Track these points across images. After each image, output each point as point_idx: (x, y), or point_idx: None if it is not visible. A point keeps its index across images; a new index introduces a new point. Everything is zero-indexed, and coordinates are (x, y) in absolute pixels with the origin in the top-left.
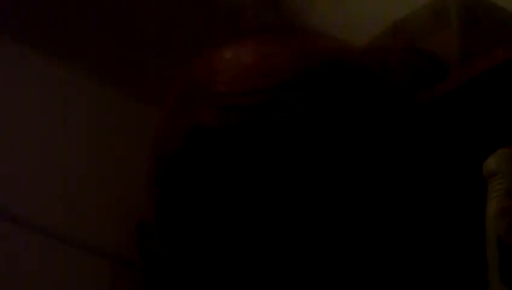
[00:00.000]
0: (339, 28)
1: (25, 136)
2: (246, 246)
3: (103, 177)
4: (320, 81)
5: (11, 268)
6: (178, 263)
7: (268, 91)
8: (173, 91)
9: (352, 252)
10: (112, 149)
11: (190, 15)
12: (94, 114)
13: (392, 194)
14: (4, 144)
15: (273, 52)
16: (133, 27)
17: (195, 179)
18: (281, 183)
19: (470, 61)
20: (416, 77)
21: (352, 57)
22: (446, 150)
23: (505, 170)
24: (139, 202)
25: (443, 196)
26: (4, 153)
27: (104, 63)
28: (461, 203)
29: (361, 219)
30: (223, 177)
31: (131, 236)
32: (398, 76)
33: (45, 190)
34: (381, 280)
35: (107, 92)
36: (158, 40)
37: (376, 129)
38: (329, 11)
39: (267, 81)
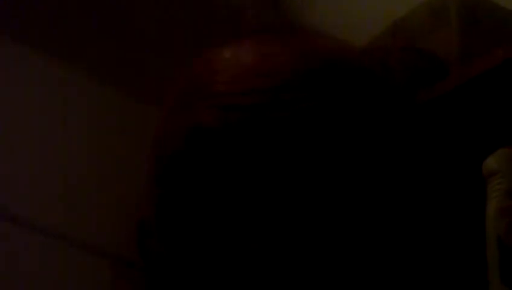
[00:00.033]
0: (338, 27)
1: (25, 136)
2: (246, 246)
3: (103, 177)
4: (320, 81)
5: (11, 268)
6: (178, 263)
7: (268, 91)
8: (173, 91)
9: (352, 252)
10: (112, 149)
11: (190, 15)
12: (94, 114)
13: (391, 194)
14: (4, 144)
15: (273, 52)
16: (133, 27)
17: (195, 179)
18: (281, 183)
19: (470, 61)
20: (416, 77)
21: (352, 56)
22: (446, 150)
23: (505, 170)
24: (139, 202)
25: (443, 195)
26: (4, 153)
27: (104, 63)
28: (461, 203)
29: (361, 218)
30: (223, 177)
31: (131, 236)
32: (397, 75)
33: (45, 190)
34: (381, 280)
35: (107, 92)
36: (158, 40)
37: (376, 129)
38: (329, 11)
39: (267, 81)
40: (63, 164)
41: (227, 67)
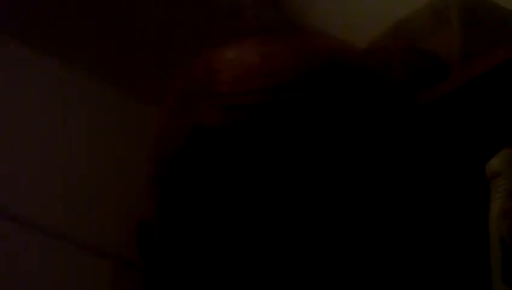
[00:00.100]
0: (339, 28)
1: (25, 136)
2: (247, 246)
3: (103, 177)
4: (321, 82)
5: (11, 268)
6: (178, 263)
7: (270, 91)
8: (173, 91)
9: (353, 252)
10: (112, 149)
11: (190, 15)
12: (94, 114)
13: (393, 195)
14: (4, 144)
15: (274, 52)
16: (133, 27)
17: (196, 179)
18: (282, 183)
19: (470, 61)
20: (417, 77)
21: (353, 57)
22: (448, 151)
23: (509, 171)
24: (139, 202)
25: (446, 197)
26: (4, 153)
27: (104, 63)
28: (464, 204)
29: (362, 219)
30: (224, 177)
31: (131, 236)
32: (399, 76)
33: (45, 190)
34: (383, 280)
35: (107, 92)
36: (158, 40)
37: (376, 129)
38: (330, 11)
39: (268, 81)
40: (63, 164)
41: (228, 67)
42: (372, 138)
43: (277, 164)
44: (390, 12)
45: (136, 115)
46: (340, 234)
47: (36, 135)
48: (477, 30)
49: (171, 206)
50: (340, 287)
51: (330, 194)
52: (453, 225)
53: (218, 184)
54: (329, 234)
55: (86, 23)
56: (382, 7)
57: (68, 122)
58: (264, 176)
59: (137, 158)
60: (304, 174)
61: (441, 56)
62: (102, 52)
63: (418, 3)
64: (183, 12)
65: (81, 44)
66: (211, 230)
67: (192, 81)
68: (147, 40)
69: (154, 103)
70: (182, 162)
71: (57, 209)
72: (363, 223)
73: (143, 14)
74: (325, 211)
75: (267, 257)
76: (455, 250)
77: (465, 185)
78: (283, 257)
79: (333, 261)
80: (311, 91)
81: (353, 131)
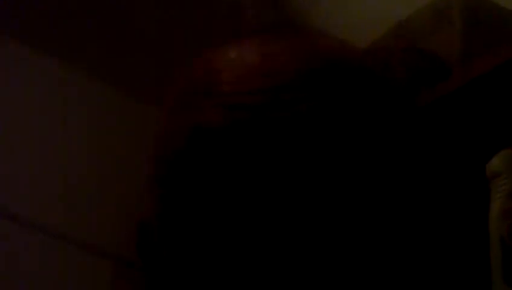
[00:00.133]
0: (340, 28)
1: (25, 136)
2: (247, 246)
3: (103, 177)
4: (321, 82)
5: (11, 268)
6: (178, 264)
7: (270, 91)
8: (173, 91)
9: (353, 252)
10: (112, 149)
11: (190, 15)
12: (94, 114)
13: (393, 195)
14: (4, 144)
15: (275, 52)
16: (133, 27)
17: (196, 179)
18: (282, 183)
19: (471, 61)
20: (418, 77)
21: (353, 57)
22: (449, 151)
23: (509, 171)
24: (139, 202)
25: (446, 197)
26: (4, 153)
27: (104, 63)
28: (464, 204)
29: (362, 219)
30: (224, 177)
31: (131, 236)
32: (399, 76)
33: (45, 190)
34: (383, 280)
35: (107, 92)
36: (158, 40)
37: (376, 129)
38: (331, 11)
39: (268, 81)
40: (63, 164)
41: (228, 67)
42: (372, 138)
43: (277, 163)
44: (391, 12)
45: (136, 115)
46: (341, 233)
47: (36, 135)
48: (478, 30)
49: (171, 206)
50: (340, 287)
51: (330, 194)
52: (453, 225)
53: (218, 184)
54: (330, 234)
55: (86, 23)
56: (383, 7)
57: (68, 122)
58: (265, 176)
59: (137, 158)
60: (304, 174)
61: (442, 56)
62: (102, 52)
63: (419, 3)
64: (183, 12)
65: (81, 44)
66: (211, 230)
67: (192, 81)
68: (147, 40)
69: (154, 103)
70: (182, 162)
71: (57, 209)
72: (363, 223)
73: (143, 14)
74: (325, 210)
75: (267, 257)
76: (455, 250)
77: (465, 185)
78: (283, 256)
79: (333, 261)
80: (311, 91)
81: (353, 131)
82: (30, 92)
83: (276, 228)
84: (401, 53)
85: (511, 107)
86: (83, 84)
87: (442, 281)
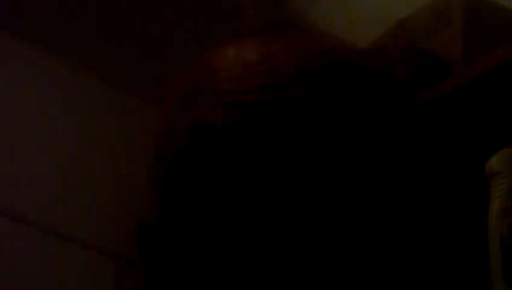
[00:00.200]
0: (340, 27)
1: (25, 136)
2: (247, 245)
3: (103, 177)
4: (321, 81)
5: (11, 268)
6: (178, 263)
7: (270, 89)
8: (173, 91)
9: (353, 252)
10: (112, 149)
11: (190, 15)
12: (94, 114)
13: (393, 194)
14: (4, 144)
15: (274, 51)
16: (133, 27)
17: (197, 178)
18: (283, 181)
19: (471, 61)
20: (418, 77)
21: (353, 56)
22: (448, 150)
23: (508, 170)
24: (139, 202)
25: (445, 196)
26: (4, 153)
27: (104, 63)
28: (464, 203)
29: (362, 218)
30: (225, 175)
31: (131, 235)
32: (399, 76)
33: (45, 190)
34: (382, 280)
35: (107, 91)
36: (158, 40)
37: (376, 129)
38: (331, 11)
39: (268, 79)
40: (63, 164)
41: (228, 66)
42: (372, 137)
43: (278, 162)
44: (391, 12)
45: (136, 115)
46: (341, 232)
47: (36, 135)
48: (479, 30)
49: (171, 206)
50: (339, 287)
51: (330, 192)
52: (453, 224)
53: (219, 183)
54: (329, 233)
55: (86, 22)
56: (383, 7)
57: (68, 122)
58: (265, 174)
59: (137, 158)
60: (304, 173)
61: (443, 56)
62: (103, 51)
63: (419, 3)
64: (183, 12)
65: (81, 44)
66: (211, 230)
67: (192, 81)
68: (147, 40)
69: (154, 103)
70: (182, 162)
71: (57, 209)
72: (363, 221)
73: (143, 14)
74: (325, 208)
75: (267, 256)
76: (455, 249)
77: (464, 184)
78: (283, 256)
79: (333, 260)
80: (311, 90)
81: (353, 130)
82: (30, 92)
83: (276, 226)
84: (401, 53)
85: (511, 107)
86: (83, 84)
87: (441, 280)
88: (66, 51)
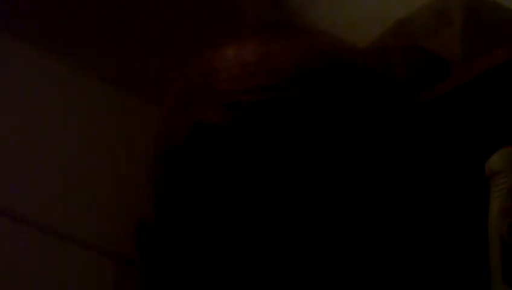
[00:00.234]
0: (340, 27)
1: (25, 136)
2: (247, 245)
3: (103, 177)
4: (321, 80)
5: (11, 268)
6: (178, 263)
7: (269, 89)
8: (173, 91)
9: (353, 251)
10: (112, 149)
11: (190, 15)
12: (94, 114)
13: (392, 194)
14: (4, 144)
15: (274, 51)
16: (133, 27)
17: (196, 178)
18: (282, 181)
19: (470, 61)
20: (419, 77)
21: (353, 56)
22: (448, 150)
23: (508, 169)
24: (139, 202)
25: (445, 195)
26: (4, 153)
27: (104, 63)
28: (463, 203)
29: (362, 218)
30: (224, 175)
31: (131, 234)
32: (399, 75)
33: (45, 190)
34: (382, 280)
35: (107, 91)
36: (158, 40)
37: (376, 128)
38: (331, 11)
39: (268, 79)
40: (63, 164)
41: (228, 66)
42: (372, 136)
43: (278, 162)
44: (391, 12)
45: (136, 115)
46: (341, 232)
47: (36, 135)
48: (479, 30)
49: (170, 205)
50: (339, 287)
51: (330, 191)
52: (452, 224)
53: (218, 183)
54: (329, 233)
55: (86, 22)
56: (382, 7)
57: (68, 122)
58: (265, 174)
59: (137, 158)
60: (303, 173)
61: (442, 56)
62: (102, 52)
63: (419, 3)
64: (183, 12)
65: (81, 44)
66: (211, 229)
67: (192, 81)
68: (147, 40)
69: (154, 103)
70: (182, 162)
71: (57, 209)
72: (363, 221)
73: (143, 14)
74: (325, 208)
75: (266, 256)
76: (454, 249)
77: (464, 184)
78: (283, 255)
79: (333, 260)
80: (311, 90)
81: (353, 130)
82: (30, 92)
83: (276, 226)
84: (401, 52)
85: (511, 107)
86: (83, 84)
87: (441, 280)
88: (66, 51)
